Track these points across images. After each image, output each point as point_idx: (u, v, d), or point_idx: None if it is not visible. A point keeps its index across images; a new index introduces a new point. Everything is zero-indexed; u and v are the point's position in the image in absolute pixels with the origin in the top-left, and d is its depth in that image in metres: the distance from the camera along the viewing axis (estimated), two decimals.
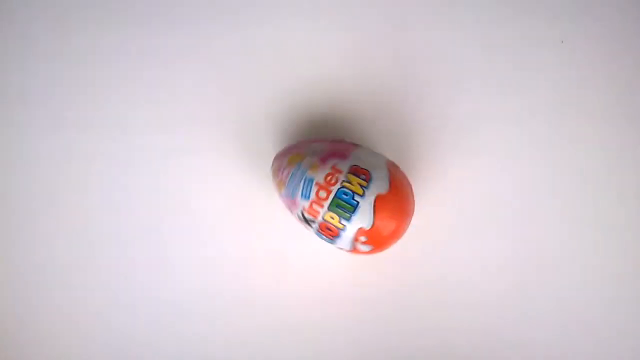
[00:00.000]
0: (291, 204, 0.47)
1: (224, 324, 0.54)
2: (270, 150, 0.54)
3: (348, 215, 0.45)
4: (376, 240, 0.46)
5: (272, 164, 0.50)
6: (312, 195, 0.45)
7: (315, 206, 0.45)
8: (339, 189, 0.45)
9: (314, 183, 0.46)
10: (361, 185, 0.45)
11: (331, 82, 0.55)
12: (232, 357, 0.54)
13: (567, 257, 0.54)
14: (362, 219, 0.45)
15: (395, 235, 0.47)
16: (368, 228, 0.45)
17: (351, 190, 0.45)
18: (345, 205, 0.45)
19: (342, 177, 0.45)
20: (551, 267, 0.54)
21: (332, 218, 0.45)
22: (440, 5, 0.55)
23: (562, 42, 0.54)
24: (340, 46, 0.55)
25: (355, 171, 0.45)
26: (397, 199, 0.46)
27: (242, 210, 0.54)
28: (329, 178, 0.45)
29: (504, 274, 0.54)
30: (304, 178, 0.46)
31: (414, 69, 0.55)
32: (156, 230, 0.55)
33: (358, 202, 0.45)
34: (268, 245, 0.54)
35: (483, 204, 0.54)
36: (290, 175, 0.47)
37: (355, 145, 0.49)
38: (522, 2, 0.55)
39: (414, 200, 0.48)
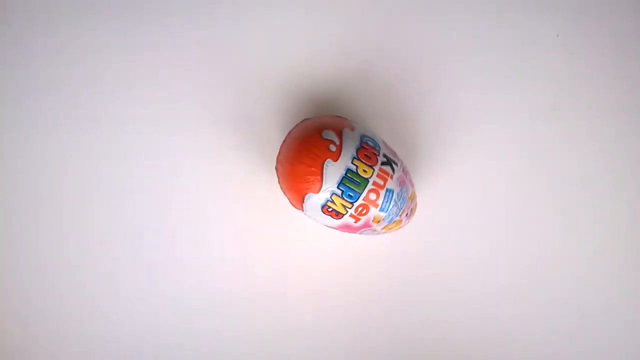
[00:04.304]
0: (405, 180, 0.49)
1: (225, 322, 0.56)
2: (271, 149, 0.54)
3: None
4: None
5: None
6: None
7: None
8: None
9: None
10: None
11: (331, 80, 0.55)
12: (233, 354, 0.55)
13: (565, 253, 0.55)
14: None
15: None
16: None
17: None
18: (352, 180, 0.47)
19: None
20: (548, 263, 0.54)
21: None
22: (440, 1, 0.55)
23: (557, 36, 0.54)
24: (340, 44, 0.56)
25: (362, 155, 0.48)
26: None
27: (243, 210, 0.55)
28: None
29: (501, 271, 0.55)
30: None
31: (413, 67, 0.55)
32: (159, 229, 0.56)
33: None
34: (268, 245, 0.56)
35: (481, 201, 0.55)
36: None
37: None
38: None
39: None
